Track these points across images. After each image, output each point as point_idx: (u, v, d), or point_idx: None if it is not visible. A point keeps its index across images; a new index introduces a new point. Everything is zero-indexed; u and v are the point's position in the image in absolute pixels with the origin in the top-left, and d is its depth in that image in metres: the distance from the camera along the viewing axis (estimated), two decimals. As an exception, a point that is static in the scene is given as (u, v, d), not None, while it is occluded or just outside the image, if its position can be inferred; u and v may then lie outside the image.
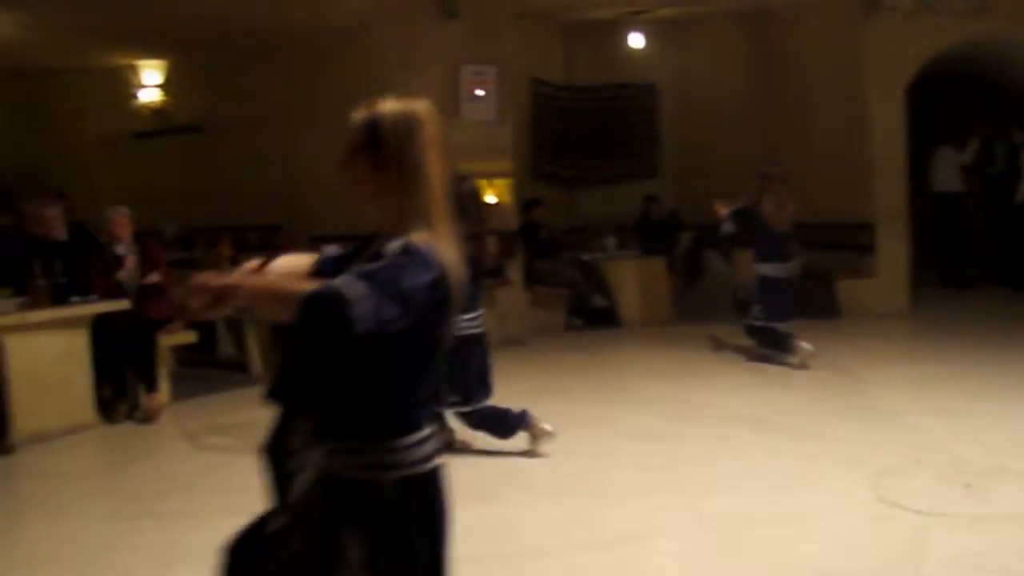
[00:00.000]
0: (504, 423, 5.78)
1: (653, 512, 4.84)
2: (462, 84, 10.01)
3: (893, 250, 10.72)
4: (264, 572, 2.49)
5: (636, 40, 11.86)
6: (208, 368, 9.56)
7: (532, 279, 10.71)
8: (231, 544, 2.62)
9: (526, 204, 11.03)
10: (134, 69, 12.50)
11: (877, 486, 5.03)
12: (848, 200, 10.71)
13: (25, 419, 6.79)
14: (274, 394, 2.51)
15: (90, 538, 4.99)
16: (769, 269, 8.15)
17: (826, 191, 10.58)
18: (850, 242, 10.83)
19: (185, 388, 8.26)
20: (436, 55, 10.12)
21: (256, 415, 8.05)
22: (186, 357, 9.31)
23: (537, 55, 11.88)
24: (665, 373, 8.44)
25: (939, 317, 10.63)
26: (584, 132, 12.28)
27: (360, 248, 2.47)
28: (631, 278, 11.00)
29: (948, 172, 12.64)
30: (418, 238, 2.28)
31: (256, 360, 9.32)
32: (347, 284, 2.14)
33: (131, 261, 7.78)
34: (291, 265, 2.51)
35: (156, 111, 12.47)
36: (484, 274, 6.90)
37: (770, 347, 8.29)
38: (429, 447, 2.37)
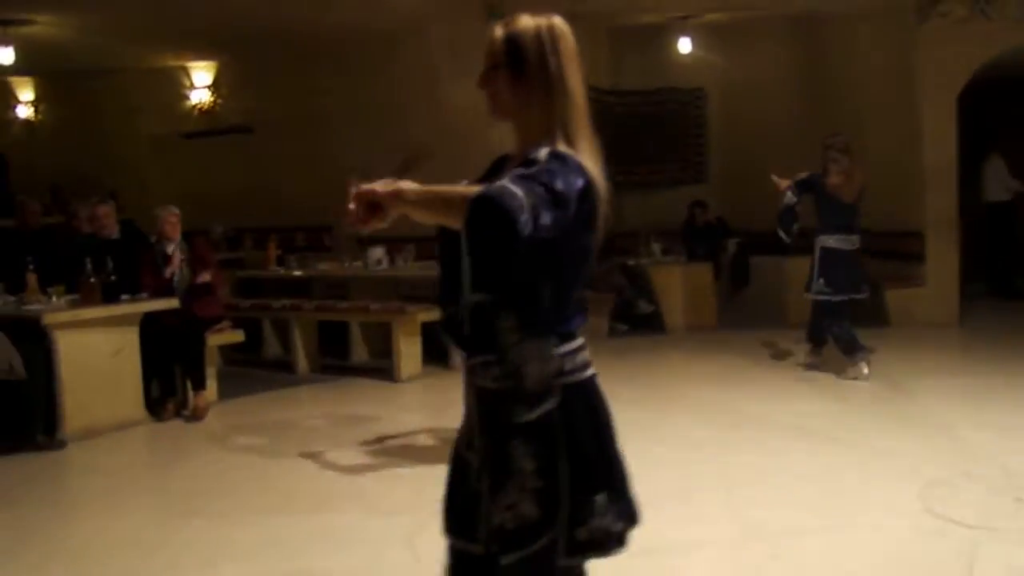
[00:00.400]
0: None
1: (698, 520, 4.82)
2: (508, 87, 10.01)
3: (943, 259, 10.59)
4: (459, 498, 2.52)
5: (684, 45, 11.81)
6: (254, 367, 9.65)
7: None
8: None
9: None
10: (185, 70, 12.66)
11: (926, 498, 4.96)
12: (898, 208, 10.59)
13: (75, 415, 6.89)
14: (446, 310, 2.43)
15: (137, 534, 5.04)
16: (832, 241, 7.91)
17: (876, 199, 10.40)
18: (900, 250, 10.72)
19: (232, 387, 8.35)
20: (482, 58, 10.14)
21: (302, 415, 8.16)
22: (233, 356, 9.41)
23: (584, 59, 11.82)
24: (710, 380, 8.39)
25: (989, 328, 10.49)
26: (631, 137, 12.22)
27: (497, 166, 2.49)
28: (676, 284, 10.95)
29: (999, 181, 12.47)
30: (561, 148, 2.29)
31: (302, 360, 9.39)
32: (510, 187, 2.12)
33: (177, 259, 7.86)
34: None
35: (206, 112, 12.63)
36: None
37: (838, 340, 8.04)
38: (584, 355, 2.40)
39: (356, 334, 9.70)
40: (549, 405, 2.30)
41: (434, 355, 9.05)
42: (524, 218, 2.09)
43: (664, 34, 11.98)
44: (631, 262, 10.94)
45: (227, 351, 9.05)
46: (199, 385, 7.65)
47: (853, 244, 7.95)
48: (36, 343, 6.78)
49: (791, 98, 11.96)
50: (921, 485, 5.17)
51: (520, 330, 2.22)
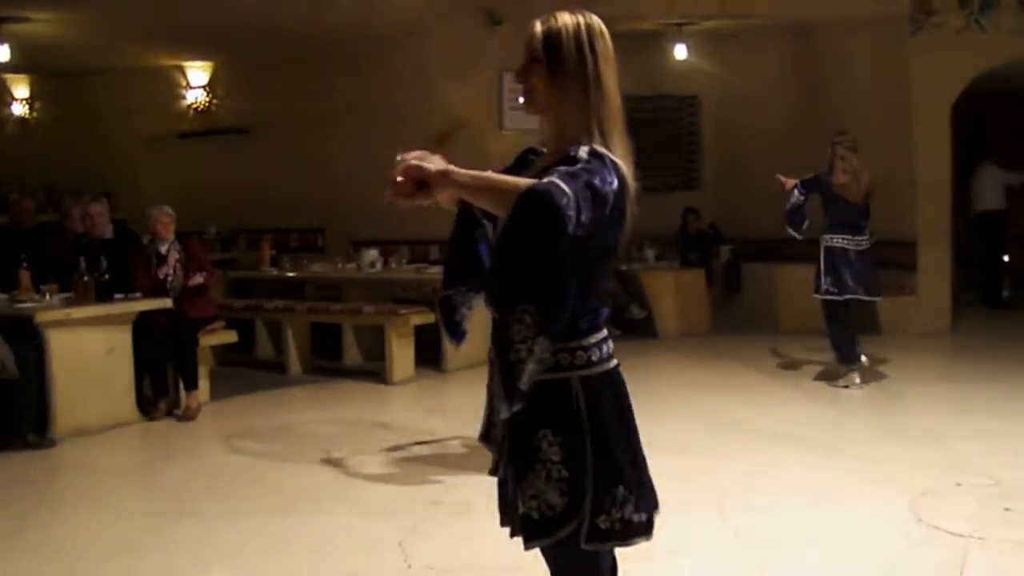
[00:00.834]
0: None
1: (689, 526, 4.82)
2: (505, 92, 10.02)
3: (935, 268, 10.62)
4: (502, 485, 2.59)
5: (679, 52, 11.82)
6: (247, 368, 9.65)
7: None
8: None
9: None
10: (181, 70, 12.64)
11: (916, 507, 4.98)
12: (890, 217, 10.58)
13: (66, 414, 6.89)
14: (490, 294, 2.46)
15: (127, 534, 5.04)
16: (838, 241, 7.85)
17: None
18: (892, 260, 10.73)
19: (224, 387, 8.34)
20: (480, 62, 10.15)
21: (294, 417, 8.16)
22: (225, 357, 9.41)
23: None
24: (702, 386, 8.41)
25: (980, 337, 10.53)
26: (625, 143, 12.21)
27: (522, 159, 2.57)
28: (669, 289, 10.98)
29: (991, 190, 12.50)
30: (597, 146, 2.34)
31: (294, 361, 9.39)
32: (560, 184, 2.17)
33: (173, 260, 7.86)
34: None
35: (201, 112, 12.60)
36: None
37: (837, 342, 8.02)
38: (609, 346, 2.46)
39: (349, 336, 9.69)
40: (519, 407, 2.33)
41: (427, 358, 9.05)
42: (571, 215, 2.15)
43: (659, 41, 11.99)
44: (624, 267, 10.95)
45: (220, 351, 9.05)
46: (191, 385, 7.65)
47: (860, 244, 7.86)
48: (28, 341, 6.77)
49: (785, 106, 11.98)
50: (911, 494, 5.19)
51: (534, 327, 2.25)
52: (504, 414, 2.35)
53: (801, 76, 11.94)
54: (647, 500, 2.48)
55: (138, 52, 11.73)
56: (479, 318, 2.58)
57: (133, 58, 12.01)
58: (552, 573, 2.53)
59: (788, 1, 10.58)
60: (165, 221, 7.91)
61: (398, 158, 2.34)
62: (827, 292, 7.90)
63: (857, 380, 7.88)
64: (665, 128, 12.61)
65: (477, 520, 4.73)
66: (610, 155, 2.35)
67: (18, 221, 9.06)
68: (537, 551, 2.49)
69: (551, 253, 2.20)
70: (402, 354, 8.77)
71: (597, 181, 2.25)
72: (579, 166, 2.27)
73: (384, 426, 7.19)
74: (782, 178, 8.02)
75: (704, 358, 9.77)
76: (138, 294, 7.52)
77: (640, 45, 12.21)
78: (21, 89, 13.79)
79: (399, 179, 2.33)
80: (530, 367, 2.28)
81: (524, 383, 2.29)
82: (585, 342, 2.40)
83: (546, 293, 2.25)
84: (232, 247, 12.38)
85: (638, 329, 10.77)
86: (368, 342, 9.59)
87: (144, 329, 7.45)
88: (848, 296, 7.86)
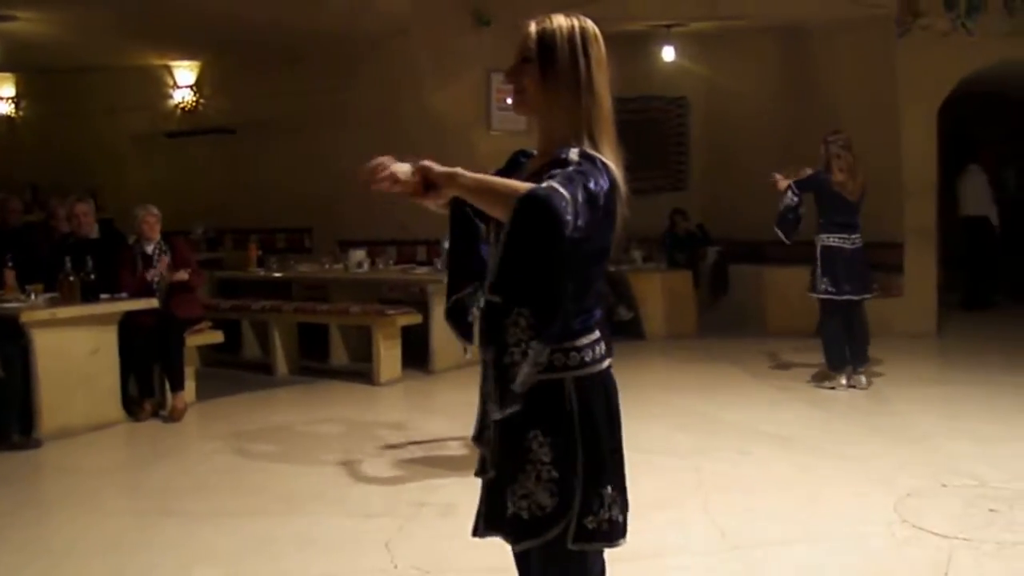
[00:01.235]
0: None
1: (675, 527, 4.83)
2: (493, 92, 10.02)
3: (921, 270, 10.65)
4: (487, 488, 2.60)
5: (668, 53, 11.84)
6: (233, 368, 9.62)
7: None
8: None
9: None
10: (168, 69, 12.61)
11: (901, 508, 4.99)
12: (877, 219, 10.61)
13: (52, 414, 6.86)
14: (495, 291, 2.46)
15: (112, 534, 5.03)
16: (834, 240, 7.83)
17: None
18: (878, 261, 10.75)
19: (210, 388, 8.32)
20: (468, 63, 10.15)
21: (280, 417, 8.14)
22: (212, 357, 9.38)
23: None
24: (690, 387, 8.42)
25: (966, 338, 10.56)
26: (613, 144, 12.23)
27: (514, 161, 2.59)
28: (657, 290, 10.99)
29: (978, 197, 12.54)
30: (587, 148, 2.36)
31: (281, 362, 9.37)
32: (559, 188, 2.18)
33: (164, 263, 7.83)
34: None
35: (188, 112, 12.57)
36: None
37: (825, 349, 8.04)
38: (602, 348, 2.46)
39: (336, 337, 9.68)
40: (515, 408, 2.34)
41: (414, 359, 9.04)
42: (568, 219, 2.16)
43: (648, 42, 12.01)
44: (611, 268, 10.94)
45: (206, 352, 9.03)
46: (177, 386, 7.62)
47: (854, 243, 7.87)
48: (13, 341, 6.74)
49: (772, 108, 12.00)
50: (897, 494, 5.20)
51: (530, 329, 2.26)
52: (496, 416, 2.35)
53: (789, 78, 11.96)
54: (626, 501, 2.51)
55: (125, 51, 11.69)
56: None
57: (120, 57, 11.96)
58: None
59: (776, 3, 10.60)
60: (151, 221, 7.88)
61: (416, 163, 2.36)
62: (825, 292, 7.89)
63: (843, 381, 7.89)
64: (653, 129, 12.63)
65: (463, 521, 4.67)
66: (600, 157, 2.36)
67: (5, 221, 9.02)
68: (512, 563, 2.48)
69: (549, 256, 2.21)
70: (389, 355, 8.75)
71: (591, 183, 2.26)
72: (572, 168, 2.27)
73: (371, 427, 7.18)
74: (778, 176, 7.95)
75: (692, 359, 9.78)
76: (124, 294, 7.50)
77: (629, 46, 12.21)
78: (7, 88, 13.72)
79: (411, 180, 2.35)
80: (525, 370, 2.29)
81: (518, 386, 2.30)
82: (579, 343, 2.41)
83: (542, 296, 2.27)
84: (219, 247, 12.36)
85: (626, 330, 10.77)
86: (355, 343, 9.58)
87: (130, 329, 7.42)
88: (845, 297, 7.86)
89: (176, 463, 6.49)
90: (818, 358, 8.26)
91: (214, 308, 9.35)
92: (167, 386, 7.67)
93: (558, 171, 2.26)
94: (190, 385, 7.89)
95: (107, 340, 7.27)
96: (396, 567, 4.37)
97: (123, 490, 6.16)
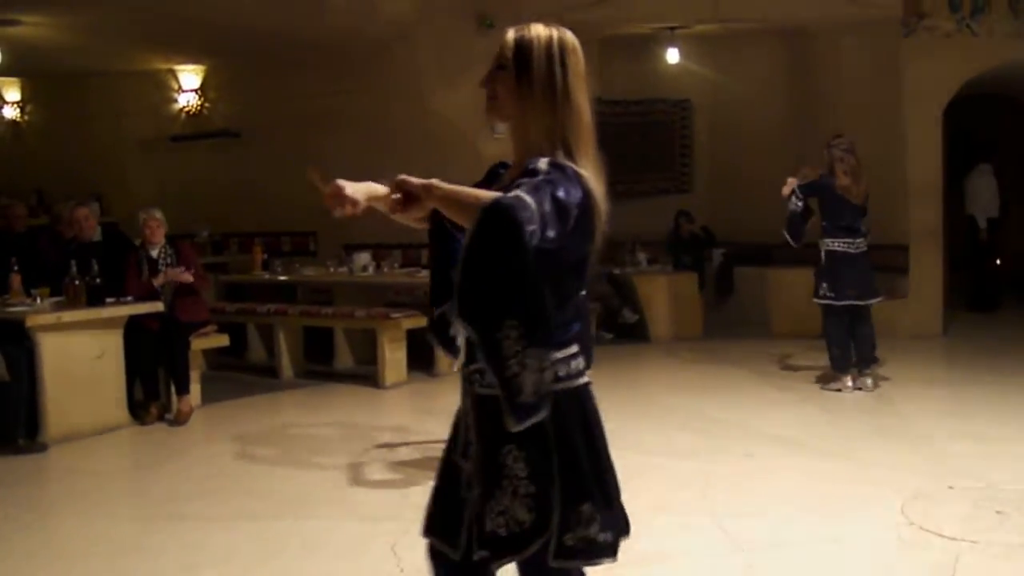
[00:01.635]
0: None
1: (681, 531, 4.82)
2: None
3: (927, 271, 10.63)
4: (445, 503, 2.59)
5: (672, 56, 11.84)
6: (238, 372, 9.63)
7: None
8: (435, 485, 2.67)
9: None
10: (173, 73, 12.63)
11: (908, 510, 4.98)
12: (882, 220, 10.60)
13: (57, 418, 6.87)
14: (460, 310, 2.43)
15: (118, 537, 5.03)
16: (838, 244, 7.81)
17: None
18: (883, 263, 10.74)
19: (216, 391, 8.33)
20: (471, 66, 10.10)
21: (285, 420, 8.14)
22: (217, 360, 9.39)
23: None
24: (695, 389, 8.40)
25: (972, 340, 10.55)
26: (617, 147, 12.20)
27: (493, 172, 2.55)
28: (662, 293, 10.98)
29: (986, 200, 12.51)
30: (561, 159, 2.32)
31: (286, 365, 9.37)
32: (524, 197, 2.16)
33: (175, 270, 7.80)
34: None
35: (193, 115, 12.59)
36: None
37: (829, 351, 8.02)
38: (578, 363, 2.40)
39: (341, 340, 9.68)
40: (540, 416, 2.29)
41: (419, 362, 9.04)
42: (532, 229, 2.13)
43: (652, 45, 12.02)
44: (616, 271, 10.95)
45: (211, 355, 9.04)
46: (183, 389, 7.62)
47: (858, 247, 7.84)
48: (19, 345, 6.75)
49: (777, 110, 12.00)
50: (903, 497, 5.19)
51: (523, 339, 2.22)
52: (513, 428, 2.30)
53: (793, 80, 11.96)
54: (615, 521, 2.44)
55: (130, 55, 11.72)
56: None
57: (125, 61, 11.99)
58: None
59: (780, 5, 10.60)
60: (154, 225, 7.88)
61: (395, 177, 2.36)
62: (824, 297, 7.88)
63: (849, 383, 7.88)
64: (658, 132, 12.63)
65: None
66: (572, 166, 2.31)
67: (10, 226, 9.03)
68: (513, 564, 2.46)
69: (513, 266, 2.17)
70: (394, 358, 8.75)
71: (561, 192, 2.22)
72: (540, 178, 2.24)
73: (376, 430, 7.18)
74: (790, 180, 7.92)
75: (696, 362, 9.77)
76: (129, 298, 7.50)
77: (633, 49, 12.24)
78: (12, 92, 13.76)
79: (395, 196, 2.36)
80: (529, 378, 2.24)
81: (527, 396, 2.25)
82: (553, 357, 2.33)
83: (526, 305, 2.23)
84: (224, 251, 12.37)
85: (631, 333, 10.78)
86: (360, 346, 9.58)
87: (135, 333, 7.43)
88: (846, 302, 7.84)
89: (182, 466, 6.49)
90: (824, 360, 8.25)
91: (219, 312, 9.35)
92: (172, 389, 7.67)
93: (525, 180, 2.23)
94: (195, 388, 7.89)
95: (113, 344, 7.28)
96: (402, 570, 4.36)
97: (129, 494, 6.17)
